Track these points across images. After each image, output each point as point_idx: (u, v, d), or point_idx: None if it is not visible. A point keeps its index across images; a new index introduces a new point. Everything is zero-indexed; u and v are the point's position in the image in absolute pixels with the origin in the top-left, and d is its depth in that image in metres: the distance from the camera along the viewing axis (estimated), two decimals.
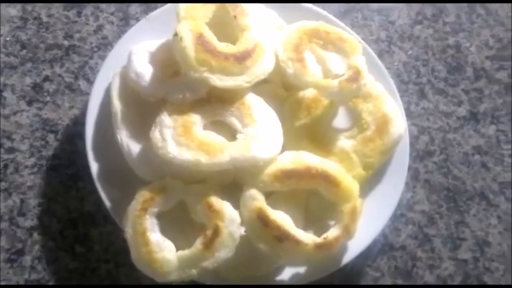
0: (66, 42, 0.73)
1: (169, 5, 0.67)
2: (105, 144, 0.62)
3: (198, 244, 0.55)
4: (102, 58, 0.70)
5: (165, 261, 0.55)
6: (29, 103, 0.70)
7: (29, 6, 0.74)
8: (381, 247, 0.68)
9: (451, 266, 0.68)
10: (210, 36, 0.58)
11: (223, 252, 0.55)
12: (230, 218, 0.55)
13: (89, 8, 0.75)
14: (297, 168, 0.57)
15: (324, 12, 0.69)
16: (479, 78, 0.77)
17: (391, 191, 0.64)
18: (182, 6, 0.59)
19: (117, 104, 0.61)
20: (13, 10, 0.74)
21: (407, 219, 0.70)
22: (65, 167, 0.67)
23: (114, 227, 0.60)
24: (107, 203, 0.60)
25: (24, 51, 0.72)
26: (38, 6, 0.74)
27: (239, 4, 0.61)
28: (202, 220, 0.56)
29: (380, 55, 0.75)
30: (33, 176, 0.67)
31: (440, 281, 0.68)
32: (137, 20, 0.74)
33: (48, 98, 0.70)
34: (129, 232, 0.56)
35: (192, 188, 0.57)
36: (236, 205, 0.57)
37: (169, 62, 0.60)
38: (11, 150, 0.68)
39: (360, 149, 0.62)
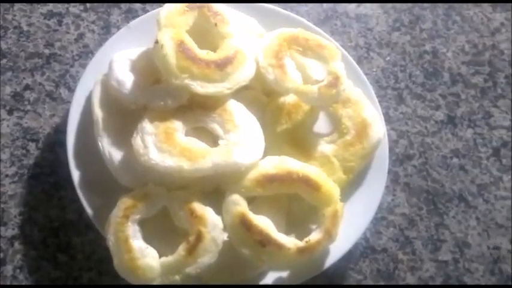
0: (47, 51, 0.73)
1: (150, 13, 0.67)
2: (86, 152, 0.62)
3: (181, 250, 0.55)
4: (83, 66, 0.70)
5: (148, 267, 0.55)
6: (10, 112, 0.69)
7: (9, 15, 0.74)
8: (363, 250, 0.69)
9: (432, 268, 0.69)
10: (191, 44, 0.58)
11: (206, 257, 0.55)
12: (213, 224, 0.56)
13: (69, 17, 0.75)
14: (278, 173, 0.58)
15: (304, 20, 0.70)
16: (456, 83, 0.79)
17: (372, 194, 0.64)
18: (163, 14, 0.59)
19: (98, 112, 0.61)
20: None
21: (388, 222, 0.70)
22: (46, 176, 0.67)
23: (96, 235, 0.60)
24: (89, 210, 0.60)
25: (4, 60, 0.72)
26: (19, 15, 0.74)
27: (220, 12, 0.61)
28: (185, 226, 0.56)
29: (359, 61, 0.76)
30: (14, 185, 0.66)
31: (421, 282, 0.68)
32: (118, 28, 0.74)
33: (28, 107, 0.70)
34: (111, 239, 0.56)
35: (175, 195, 0.57)
36: (219, 211, 0.57)
37: (150, 70, 0.60)
38: None
39: (341, 154, 0.63)
